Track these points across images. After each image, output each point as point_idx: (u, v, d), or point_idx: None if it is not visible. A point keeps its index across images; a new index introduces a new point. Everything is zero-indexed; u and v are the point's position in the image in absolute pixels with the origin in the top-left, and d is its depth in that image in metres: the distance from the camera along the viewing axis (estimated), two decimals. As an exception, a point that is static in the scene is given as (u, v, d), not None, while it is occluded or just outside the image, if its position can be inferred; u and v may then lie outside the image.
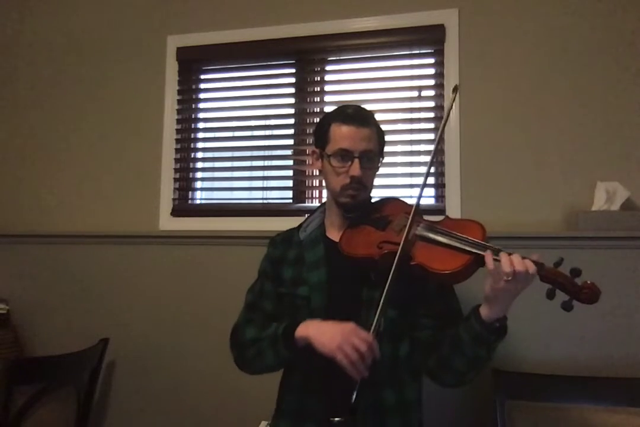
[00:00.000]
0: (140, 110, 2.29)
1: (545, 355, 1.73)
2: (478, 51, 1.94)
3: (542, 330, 1.72)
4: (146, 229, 2.20)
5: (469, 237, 1.12)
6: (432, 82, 2.03)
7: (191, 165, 2.29)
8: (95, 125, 2.34)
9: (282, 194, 2.18)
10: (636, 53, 1.81)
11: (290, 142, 2.18)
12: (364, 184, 1.28)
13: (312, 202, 2.13)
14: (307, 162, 2.13)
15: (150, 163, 2.25)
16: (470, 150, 1.91)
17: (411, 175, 2.01)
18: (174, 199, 2.23)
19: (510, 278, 1.01)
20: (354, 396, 1.05)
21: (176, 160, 2.25)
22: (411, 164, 2.01)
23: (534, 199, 1.83)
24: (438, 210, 1.91)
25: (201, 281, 2.09)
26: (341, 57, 2.14)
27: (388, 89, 2.07)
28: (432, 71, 2.03)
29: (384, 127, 2.00)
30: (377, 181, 2.01)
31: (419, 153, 2.02)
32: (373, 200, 1.40)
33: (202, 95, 2.33)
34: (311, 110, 2.19)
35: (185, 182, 2.28)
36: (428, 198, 2.00)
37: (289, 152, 2.19)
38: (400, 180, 2.02)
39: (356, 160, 1.24)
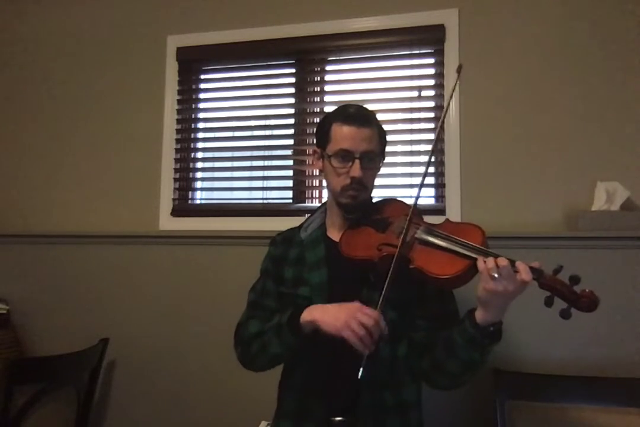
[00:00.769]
0: (141, 110, 2.29)
1: (545, 355, 1.73)
2: (478, 51, 1.94)
3: (542, 330, 1.72)
4: (146, 229, 2.20)
5: (469, 242, 1.12)
6: (432, 82, 2.03)
7: (191, 165, 2.29)
8: (95, 125, 2.34)
9: (282, 194, 2.18)
10: (637, 52, 1.81)
11: (290, 142, 2.19)
12: (365, 185, 1.27)
13: (312, 202, 2.13)
14: (307, 162, 2.13)
15: (150, 163, 2.25)
16: (470, 150, 1.91)
17: (411, 175, 2.01)
18: (174, 199, 2.23)
19: (495, 274, 1.01)
20: (360, 373, 1.04)
21: (176, 160, 2.25)
22: (411, 164, 2.01)
23: (534, 199, 1.83)
24: (438, 210, 1.91)
25: (201, 281, 2.09)
26: (341, 57, 2.14)
27: (388, 89, 2.07)
28: (432, 71, 2.03)
29: (383, 127, 2.03)
30: (377, 181, 2.02)
31: (419, 153, 2.02)
32: (374, 200, 1.39)
33: (202, 95, 2.33)
34: (311, 110, 2.19)
35: (185, 182, 2.28)
36: (428, 198, 2.00)
37: (289, 152, 2.19)
38: (400, 180, 2.02)
39: (357, 161, 1.23)
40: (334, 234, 1.33)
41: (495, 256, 1.07)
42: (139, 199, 2.24)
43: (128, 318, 2.15)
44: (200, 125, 2.33)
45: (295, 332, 1.16)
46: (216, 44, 2.22)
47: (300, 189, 2.15)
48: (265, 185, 2.20)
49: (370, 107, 2.03)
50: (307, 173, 2.14)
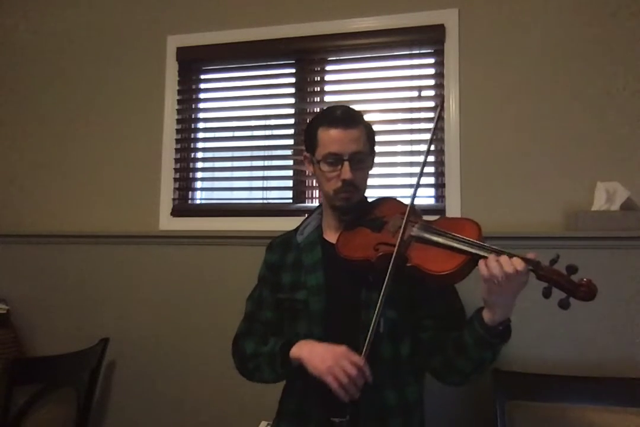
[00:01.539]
0: (140, 110, 2.29)
1: (545, 355, 1.73)
2: (478, 51, 1.94)
3: (542, 330, 1.72)
4: (146, 229, 2.20)
5: (464, 237, 1.11)
6: (432, 82, 2.03)
7: (191, 165, 2.29)
8: (95, 125, 2.34)
9: (282, 194, 2.18)
10: (637, 53, 1.81)
11: (290, 142, 2.19)
12: (357, 186, 1.26)
13: (312, 202, 2.13)
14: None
15: (150, 163, 2.25)
16: (470, 150, 1.91)
17: (411, 175, 2.01)
18: (174, 199, 2.23)
19: (501, 281, 1.01)
20: (344, 419, 1.08)
21: (176, 160, 2.25)
22: (411, 164, 2.01)
23: (534, 199, 1.83)
24: (438, 210, 1.90)
25: (201, 281, 2.09)
26: (341, 57, 2.14)
27: (388, 89, 2.07)
28: (432, 71, 2.03)
29: (384, 127, 2.03)
30: (377, 181, 2.03)
31: (419, 153, 2.02)
32: (369, 199, 1.39)
33: (202, 95, 2.33)
34: (311, 110, 2.19)
35: (185, 182, 2.28)
36: (428, 198, 2.00)
37: (289, 152, 2.19)
38: (400, 180, 2.02)
39: (346, 164, 1.22)
40: (331, 236, 1.33)
41: (492, 251, 1.06)
42: (139, 199, 2.24)
43: (128, 318, 2.15)
44: (200, 125, 2.33)
45: (284, 365, 1.18)
46: (216, 44, 2.22)
47: (300, 189, 2.15)
48: (265, 186, 2.20)
49: (370, 107, 2.07)
50: (307, 173, 2.13)
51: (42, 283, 2.28)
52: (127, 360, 2.13)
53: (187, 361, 2.05)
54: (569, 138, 1.83)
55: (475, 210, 1.87)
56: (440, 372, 1.21)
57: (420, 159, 2.01)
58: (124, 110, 2.31)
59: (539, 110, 1.87)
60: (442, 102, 1.97)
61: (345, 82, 2.15)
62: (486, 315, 1.07)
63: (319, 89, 2.19)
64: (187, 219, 2.20)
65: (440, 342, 1.19)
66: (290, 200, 2.14)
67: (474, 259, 1.08)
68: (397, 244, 1.14)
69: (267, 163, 2.20)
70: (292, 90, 2.20)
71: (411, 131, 2.03)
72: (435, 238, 1.15)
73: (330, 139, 1.24)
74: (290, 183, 2.18)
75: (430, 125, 2.02)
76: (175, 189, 2.24)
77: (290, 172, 2.17)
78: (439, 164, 1.98)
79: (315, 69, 2.19)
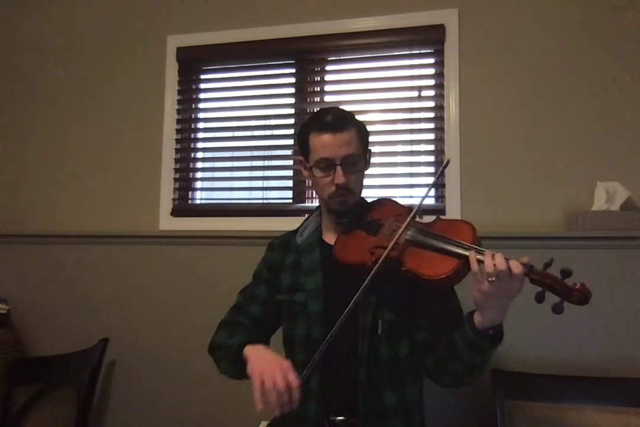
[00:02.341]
0: (140, 110, 2.29)
1: (544, 355, 1.73)
2: (478, 51, 1.94)
3: (541, 330, 1.72)
4: (146, 229, 2.20)
5: (460, 240, 1.10)
6: (432, 82, 2.03)
7: (191, 165, 2.29)
8: (95, 125, 2.34)
9: (282, 194, 2.18)
10: (637, 52, 1.81)
11: (290, 142, 2.18)
12: (351, 190, 1.25)
13: (312, 202, 2.13)
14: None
15: (150, 163, 2.25)
16: (470, 150, 1.91)
17: (411, 175, 2.01)
18: (174, 199, 2.23)
19: (493, 279, 0.99)
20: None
21: (176, 160, 2.25)
22: (411, 164, 2.01)
23: (534, 199, 1.83)
24: (438, 210, 1.90)
25: (201, 281, 2.09)
26: (341, 57, 2.14)
27: (388, 89, 2.07)
28: (432, 71, 2.03)
29: (383, 127, 2.03)
30: (377, 181, 2.02)
31: (419, 153, 2.02)
32: (369, 200, 1.38)
33: (202, 95, 2.33)
34: (311, 110, 2.18)
35: (185, 182, 2.28)
36: (428, 198, 1.99)
37: (288, 152, 2.19)
38: (400, 180, 2.02)
39: (339, 168, 1.21)
40: (330, 238, 1.32)
41: (481, 251, 1.05)
42: (139, 199, 2.24)
43: (128, 318, 2.15)
44: (200, 125, 2.33)
45: (236, 362, 1.17)
46: (216, 44, 2.22)
47: (300, 189, 2.15)
48: (265, 186, 2.20)
49: (370, 107, 2.06)
50: (303, 175, 2.13)
51: (42, 283, 2.28)
52: (127, 360, 2.13)
53: (187, 360, 2.05)
54: (568, 138, 1.83)
55: (475, 210, 1.87)
56: (434, 373, 1.21)
57: (420, 159, 2.02)
58: (124, 110, 2.31)
59: (539, 110, 1.87)
60: (442, 103, 1.97)
61: (345, 82, 2.14)
62: (477, 318, 1.06)
63: (319, 89, 2.19)
64: (187, 219, 2.20)
65: (434, 343, 1.19)
66: (290, 200, 2.14)
67: (468, 263, 1.06)
68: (388, 248, 1.14)
69: (267, 163, 2.20)
70: (292, 90, 2.20)
71: (411, 131, 2.03)
72: (430, 241, 1.14)
73: (321, 145, 1.23)
74: (290, 183, 2.18)
75: (431, 126, 2.02)
76: (175, 189, 2.24)
77: (290, 172, 2.17)
78: (439, 164, 1.98)
79: (315, 69, 2.19)
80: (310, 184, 2.12)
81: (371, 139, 1.34)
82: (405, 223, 1.18)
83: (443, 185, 1.94)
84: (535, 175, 1.85)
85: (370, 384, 1.18)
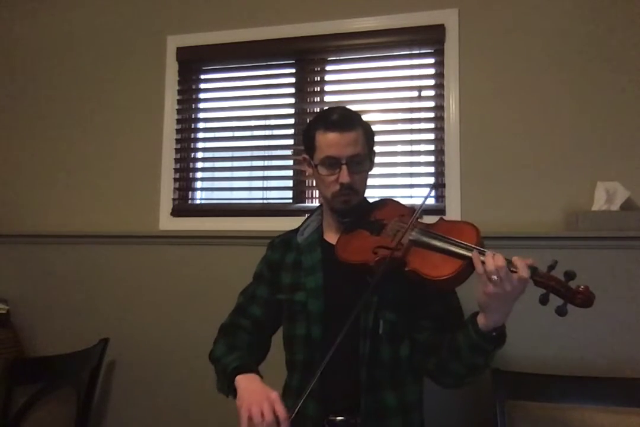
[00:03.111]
0: (141, 110, 2.29)
1: (545, 355, 1.73)
2: (478, 51, 1.94)
3: (542, 330, 1.72)
4: (146, 229, 2.20)
5: (463, 241, 1.10)
6: (432, 82, 2.03)
7: (191, 165, 2.29)
8: (95, 125, 2.34)
9: (282, 194, 2.18)
10: (636, 52, 1.81)
11: (290, 142, 2.19)
12: (355, 189, 1.25)
13: (312, 202, 2.13)
14: (306, 163, 2.14)
15: (150, 163, 2.25)
16: (470, 150, 1.91)
17: (411, 175, 2.01)
18: (174, 199, 2.23)
19: (496, 278, 1.00)
20: None
21: (176, 160, 2.25)
22: (411, 164, 2.01)
23: (534, 199, 1.83)
24: (438, 210, 1.90)
25: (201, 281, 2.09)
26: (341, 57, 2.14)
27: (388, 89, 2.07)
28: (432, 71, 2.03)
29: (383, 127, 2.03)
30: (377, 181, 2.02)
31: (419, 153, 2.02)
32: (371, 200, 1.38)
33: (202, 95, 2.33)
34: (311, 110, 2.19)
35: (185, 182, 2.28)
36: (428, 198, 1.99)
37: (289, 152, 2.19)
38: (400, 180, 2.02)
39: (344, 167, 1.21)
40: (331, 237, 1.32)
41: (484, 252, 1.05)
42: (139, 199, 2.24)
43: (128, 318, 2.15)
44: (200, 125, 2.33)
45: (228, 386, 1.17)
46: (216, 44, 2.22)
47: (300, 189, 2.15)
48: (265, 186, 2.20)
49: (370, 107, 2.06)
50: (307, 173, 2.13)
51: (42, 283, 2.28)
52: (127, 360, 2.13)
53: (187, 360, 2.05)
54: (569, 138, 1.83)
55: (475, 210, 1.87)
56: (434, 374, 1.21)
57: (420, 159, 2.02)
58: (124, 110, 2.31)
59: (539, 110, 1.87)
60: (442, 103, 1.97)
61: (345, 82, 2.15)
62: (480, 320, 1.06)
63: (319, 89, 2.19)
64: (187, 219, 2.20)
65: (435, 343, 1.19)
66: (290, 200, 2.14)
67: (471, 264, 1.06)
68: (392, 248, 1.14)
69: (267, 163, 2.20)
70: (292, 90, 2.20)
71: (411, 131, 2.03)
72: (433, 242, 1.14)
73: (327, 143, 1.23)
74: (290, 183, 2.18)
75: (431, 126, 2.02)
76: (175, 189, 2.24)
77: (290, 172, 2.17)
78: (439, 164, 1.98)
79: (315, 69, 2.19)
80: (313, 183, 2.13)
81: (372, 139, 1.34)
82: (410, 223, 1.18)
83: (443, 186, 1.94)
84: (535, 176, 1.85)
85: (371, 384, 1.18)
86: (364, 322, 1.20)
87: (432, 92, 2.02)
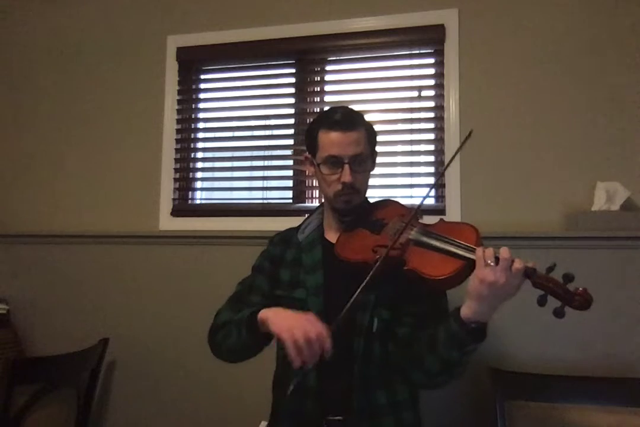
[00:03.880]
0: (141, 110, 2.29)
1: (545, 355, 1.72)
2: (478, 51, 1.94)
3: (542, 330, 1.72)
4: (146, 229, 2.20)
5: (462, 242, 1.11)
6: (432, 82, 2.03)
7: (191, 165, 2.29)
8: (95, 125, 2.34)
9: (282, 194, 2.18)
10: (636, 52, 1.81)
11: (290, 142, 2.19)
12: (357, 189, 1.26)
13: (312, 202, 2.13)
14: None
15: (150, 163, 2.25)
16: (470, 150, 1.91)
17: (411, 175, 2.01)
18: (174, 199, 2.23)
19: (492, 263, 1.00)
20: (291, 387, 1.05)
21: (176, 160, 2.25)
22: (411, 164, 2.01)
23: (534, 199, 1.83)
24: (438, 210, 1.91)
25: (201, 281, 2.09)
26: (341, 57, 2.14)
27: (388, 89, 2.07)
28: (432, 71, 2.03)
29: (383, 127, 2.03)
30: (377, 181, 2.02)
31: (419, 153, 2.02)
32: (371, 200, 1.39)
33: (202, 95, 2.33)
34: (311, 110, 2.19)
35: (185, 182, 2.28)
36: (428, 198, 1.99)
37: (289, 152, 2.19)
38: (400, 180, 2.02)
39: (346, 166, 1.22)
40: (331, 236, 1.33)
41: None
42: (139, 199, 2.24)
43: (128, 318, 2.15)
44: (200, 125, 2.33)
45: (250, 328, 1.16)
46: (216, 44, 2.22)
47: (300, 189, 2.15)
48: (265, 186, 2.20)
49: (370, 107, 2.06)
50: (307, 173, 2.13)
51: (42, 283, 2.28)
52: (127, 360, 2.13)
53: (187, 360, 2.05)
54: (568, 138, 1.83)
55: (475, 210, 1.87)
56: (407, 368, 1.20)
57: (420, 159, 2.02)
58: (124, 110, 2.31)
59: (539, 109, 1.87)
60: (442, 103, 1.97)
61: (345, 82, 2.15)
62: (464, 308, 1.06)
63: (319, 89, 2.19)
64: (187, 219, 2.20)
65: (413, 338, 1.18)
66: (290, 200, 2.14)
67: (470, 265, 1.06)
68: (389, 246, 1.14)
69: (267, 163, 2.20)
70: (292, 90, 2.20)
71: (411, 131, 2.03)
72: (433, 242, 1.14)
73: (330, 142, 1.23)
74: (290, 183, 2.18)
75: (431, 126, 2.02)
76: (175, 189, 2.24)
77: (290, 172, 2.17)
78: (439, 164, 1.98)
79: (315, 69, 2.19)
80: (313, 183, 2.14)
81: (371, 138, 1.34)
82: (409, 220, 1.18)
83: (443, 186, 1.94)
84: (535, 175, 1.85)
85: (363, 382, 1.18)
86: (360, 320, 1.20)
87: (432, 92, 2.02)
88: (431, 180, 2.00)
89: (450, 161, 1.31)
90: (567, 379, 1.58)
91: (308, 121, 2.16)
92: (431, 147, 2.01)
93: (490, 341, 1.76)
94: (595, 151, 1.81)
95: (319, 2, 2.12)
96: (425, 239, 1.16)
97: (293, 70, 2.20)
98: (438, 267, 1.10)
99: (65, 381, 1.90)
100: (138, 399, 2.10)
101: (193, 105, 2.31)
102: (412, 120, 2.03)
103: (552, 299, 1.01)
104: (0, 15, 2.54)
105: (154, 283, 2.15)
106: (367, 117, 1.34)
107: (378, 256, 1.16)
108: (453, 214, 1.88)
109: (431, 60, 2.04)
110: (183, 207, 2.24)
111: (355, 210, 1.29)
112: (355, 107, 1.33)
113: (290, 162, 2.18)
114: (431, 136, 2.01)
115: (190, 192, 2.29)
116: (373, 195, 1.42)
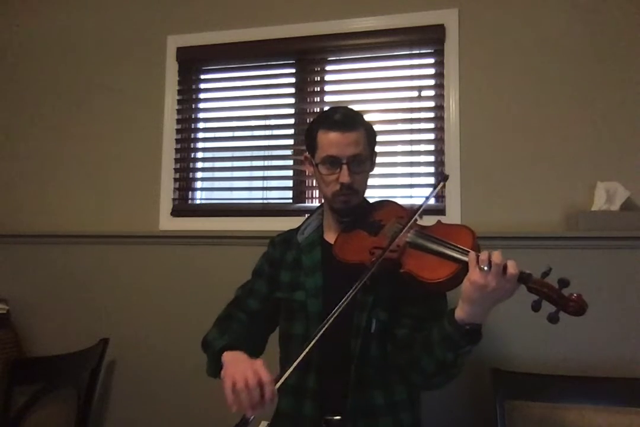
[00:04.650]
0: (141, 110, 2.29)
1: (544, 355, 1.72)
2: (478, 51, 1.94)
3: (542, 330, 1.72)
4: (146, 229, 2.20)
5: (459, 245, 1.10)
6: (432, 82, 2.03)
7: (191, 165, 2.29)
8: (95, 125, 2.34)
9: (282, 194, 2.18)
10: (636, 53, 1.81)
11: (290, 142, 2.19)
12: (355, 189, 1.26)
13: (312, 202, 2.13)
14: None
15: (150, 163, 2.25)
16: (470, 150, 1.91)
17: (411, 175, 2.01)
18: (173, 199, 2.23)
19: (485, 268, 1.00)
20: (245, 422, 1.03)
21: (176, 160, 2.25)
22: (411, 164, 2.01)
23: (534, 199, 1.83)
24: (438, 210, 1.91)
25: (201, 281, 2.09)
26: (341, 57, 2.14)
27: (388, 89, 2.07)
28: (432, 71, 2.03)
29: (383, 127, 2.04)
30: (377, 181, 2.02)
31: (419, 153, 2.02)
32: (371, 201, 1.39)
33: (202, 95, 2.33)
34: (311, 110, 2.19)
35: (185, 182, 2.28)
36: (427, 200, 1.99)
37: (289, 152, 2.19)
38: (400, 180, 2.02)
39: (345, 167, 1.22)
40: (331, 237, 1.33)
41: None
42: (139, 199, 2.24)
43: (128, 318, 2.15)
44: (200, 125, 2.33)
45: (217, 364, 1.17)
46: (216, 44, 2.22)
47: (300, 189, 2.15)
48: (265, 186, 2.20)
49: (370, 107, 2.06)
50: (307, 173, 2.13)
51: (42, 283, 2.28)
52: (127, 360, 2.13)
53: (187, 360, 2.05)
54: (568, 138, 1.83)
55: (475, 210, 1.87)
56: (404, 369, 1.20)
57: (420, 159, 2.02)
58: (124, 110, 2.31)
59: (539, 110, 1.87)
60: (442, 103, 1.97)
61: (345, 82, 2.15)
62: (458, 312, 1.06)
63: (319, 89, 2.19)
64: (187, 219, 2.20)
65: (411, 340, 1.18)
66: (290, 200, 2.14)
67: (466, 268, 1.06)
68: (384, 249, 1.14)
69: (267, 163, 2.20)
70: (292, 90, 2.20)
71: (411, 131, 2.03)
72: (429, 245, 1.14)
73: (329, 142, 1.23)
74: (290, 183, 2.18)
75: (431, 126, 2.02)
76: (175, 189, 2.24)
77: (290, 172, 2.17)
78: (439, 163, 1.98)
79: (315, 69, 2.19)
80: (313, 183, 2.13)
81: (371, 138, 1.34)
82: (407, 225, 1.18)
83: (443, 186, 1.93)
84: (535, 176, 1.85)
85: (360, 382, 1.18)
86: (357, 321, 1.20)
87: (432, 92, 2.02)
88: (431, 180, 1.99)
89: (427, 200, 1.28)
90: (567, 379, 1.58)
91: (308, 121, 2.16)
92: (431, 147, 2.01)
93: (490, 342, 1.77)
94: (595, 151, 1.81)
95: (319, 2, 2.12)
96: (421, 242, 1.16)
97: (293, 70, 2.20)
98: (434, 270, 1.10)
99: (65, 381, 1.90)
100: (138, 399, 2.10)
101: (193, 106, 2.31)
102: (412, 120, 2.03)
103: (547, 304, 1.01)
104: (0, 15, 2.53)
105: (153, 283, 2.15)
106: (367, 117, 1.34)
107: (374, 258, 1.16)
108: (453, 214, 1.88)
109: (431, 60, 2.04)
110: (183, 207, 2.24)
111: (354, 211, 1.29)
112: (355, 107, 1.33)
113: (290, 162, 2.18)
114: (431, 136, 2.01)
115: (190, 192, 2.28)
116: (373, 195, 1.42)
